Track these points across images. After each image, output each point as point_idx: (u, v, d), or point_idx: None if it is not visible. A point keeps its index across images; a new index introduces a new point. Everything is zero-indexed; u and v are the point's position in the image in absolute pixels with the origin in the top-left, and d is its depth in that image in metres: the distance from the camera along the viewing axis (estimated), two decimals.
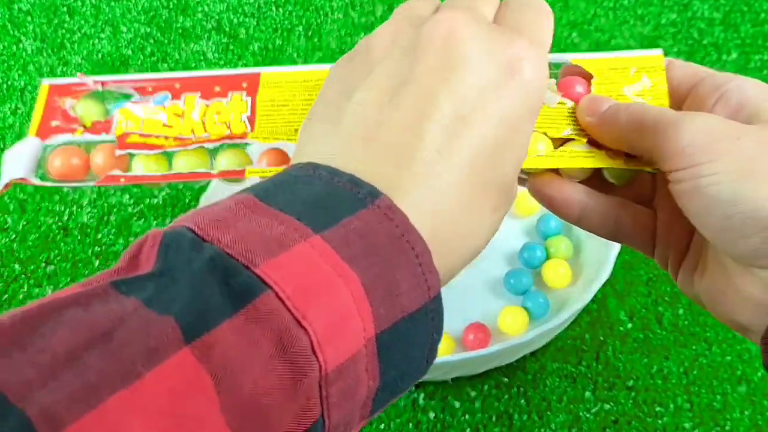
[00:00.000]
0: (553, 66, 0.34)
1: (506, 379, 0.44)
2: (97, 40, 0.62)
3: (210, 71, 0.36)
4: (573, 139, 0.33)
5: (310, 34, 0.63)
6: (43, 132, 0.35)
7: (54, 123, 0.36)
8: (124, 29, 0.63)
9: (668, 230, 0.32)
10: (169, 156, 0.35)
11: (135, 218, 0.51)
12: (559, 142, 0.33)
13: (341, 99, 0.26)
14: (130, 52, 0.61)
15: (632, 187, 0.34)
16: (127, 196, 0.53)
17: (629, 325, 0.46)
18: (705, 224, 0.29)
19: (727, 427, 0.42)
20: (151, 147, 0.35)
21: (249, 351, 0.19)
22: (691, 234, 0.32)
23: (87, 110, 0.35)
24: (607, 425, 0.43)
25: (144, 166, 0.34)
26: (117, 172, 0.34)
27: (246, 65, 0.61)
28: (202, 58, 0.61)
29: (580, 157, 0.33)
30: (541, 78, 0.27)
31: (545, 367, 0.45)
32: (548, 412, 0.43)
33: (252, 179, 0.32)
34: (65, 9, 0.64)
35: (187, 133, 0.35)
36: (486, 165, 0.25)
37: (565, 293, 0.46)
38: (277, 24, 0.63)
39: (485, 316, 0.45)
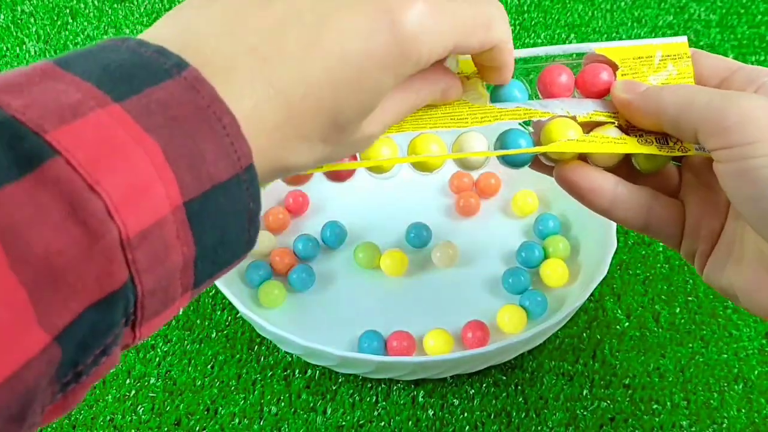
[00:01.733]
0: (577, 55, 0.34)
1: (504, 378, 0.45)
2: None
3: None
4: (602, 124, 0.32)
5: None
6: None
7: None
8: (127, 31, 0.63)
9: (697, 221, 0.32)
10: None
11: None
12: (588, 128, 0.33)
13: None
14: None
15: (657, 179, 0.33)
16: None
17: (626, 324, 0.47)
18: (751, 209, 0.27)
19: (724, 425, 0.43)
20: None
21: (38, 213, 0.18)
22: (721, 224, 0.31)
23: None
24: (604, 423, 0.43)
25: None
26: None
27: None
28: None
29: (611, 143, 0.32)
30: (421, 33, 0.25)
31: (543, 365, 0.45)
32: (545, 410, 0.43)
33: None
34: (68, 11, 0.65)
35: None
36: (323, 92, 0.24)
37: (563, 292, 0.46)
38: None
39: (483, 315, 0.45)
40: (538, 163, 0.34)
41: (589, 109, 0.33)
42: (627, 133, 0.32)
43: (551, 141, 0.32)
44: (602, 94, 0.34)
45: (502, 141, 0.33)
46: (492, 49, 0.29)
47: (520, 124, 0.33)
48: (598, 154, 0.33)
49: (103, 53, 0.22)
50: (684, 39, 0.32)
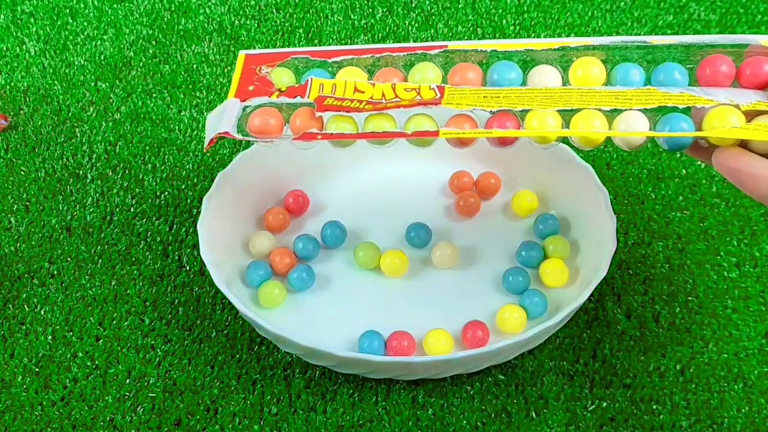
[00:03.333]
0: (738, 46, 0.36)
1: (504, 378, 0.45)
2: (99, 42, 0.63)
3: (398, 44, 0.38)
4: (765, 112, 0.34)
5: (310, 36, 0.63)
6: (242, 94, 0.38)
7: (251, 87, 0.39)
8: (127, 31, 0.63)
9: None
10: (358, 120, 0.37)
11: (138, 218, 0.52)
12: (750, 117, 0.34)
13: None
14: (132, 53, 0.62)
15: None
16: (130, 196, 0.53)
17: (626, 324, 0.47)
18: None
19: (724, 425, 0.43)
20: (347, 109, 0.37)
21: None
22: None
23: (279, 77, 0.38)
24: (604, 423, 0.43)
25: (337, 126, 0.37)
26: (314, 129, 0.37)
27: None
28: (203, 59, 0.61)
29: None
30: None
31: (543, 365, 0.45)
32: (546, 410, 0.43)
33: (444, 140, 0.37)
34: (68, 11, 0.65)
35: (378, 96, 0.37)
36: None
37: (563, 292, 0.46)
38: (278, 26, 0.64)
39: (484, 315, 0.45)
40: (696, 148, 0.36)
41: (752, 99, 0.34)
42: None
43: (714, 127, 0.34)
44: (765, 85, 0.35)
45: (664, 123, 0.35)
46: None
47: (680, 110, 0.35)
48: (759, 142, 0.34)
49: None
50: None
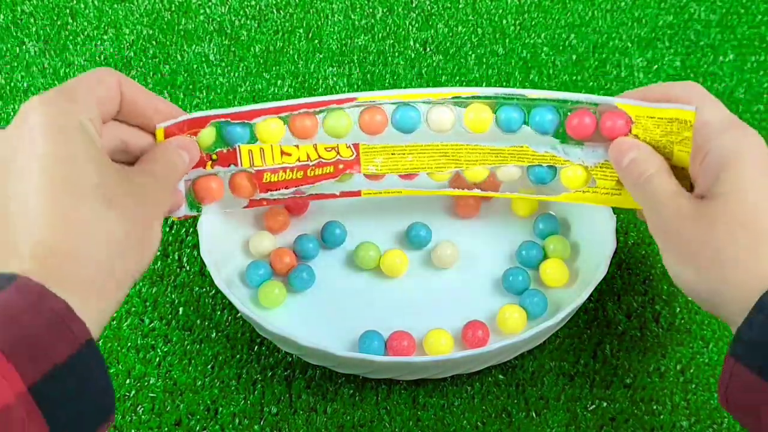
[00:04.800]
0: (593, 104, 0.42)
1: (504, 378, 0.45)
2: (99, 42, 0.63)
3: (309, 99, 0.43)
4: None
5: (310, 36, 0.63)
6: None
7: None
8: (127, 31, 0.63)
9: None
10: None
11: None
12: (598, 174, 0.43)
13: None
14: (132, 54, 0.62)
15: None
16: None
17: (626, 324, 0.47)
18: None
19: (724, 425, 0.43)
20: (287, 185, 0.44)
21: None
22: None
23: (205, 141, 0.42)
24: (605, 423, 0.43)
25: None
26: (259, 195, 0.45)
27: (247, 67, 0.61)
28: (203, 59, 0.61)
29: (608, 195, 0.44)
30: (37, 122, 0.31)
31: (543, 365, 0.45)
32: (546, 410, 0.43)
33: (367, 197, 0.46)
34: (68, 11, 0.65)
35: (304, 158, 0.44)
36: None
37: (563, 292, 0.46)
38: (278, 26, 0.64)
39: (484, 315, 0.45)
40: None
41: (601, 159, 0.43)
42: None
43: (567, 185, 0.44)
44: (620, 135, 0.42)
45: (532, 173, 0.45)
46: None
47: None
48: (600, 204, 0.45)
49: None
50: (693, 109, 0.39)
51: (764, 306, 0.32)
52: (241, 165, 0.43)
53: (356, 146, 0.44)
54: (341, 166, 0.44)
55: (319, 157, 0.44)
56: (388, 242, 0.49)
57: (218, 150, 0.43)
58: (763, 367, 0.31)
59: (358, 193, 0.46)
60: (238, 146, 0.43)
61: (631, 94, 0.42)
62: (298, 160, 0.44)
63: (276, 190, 0.44)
